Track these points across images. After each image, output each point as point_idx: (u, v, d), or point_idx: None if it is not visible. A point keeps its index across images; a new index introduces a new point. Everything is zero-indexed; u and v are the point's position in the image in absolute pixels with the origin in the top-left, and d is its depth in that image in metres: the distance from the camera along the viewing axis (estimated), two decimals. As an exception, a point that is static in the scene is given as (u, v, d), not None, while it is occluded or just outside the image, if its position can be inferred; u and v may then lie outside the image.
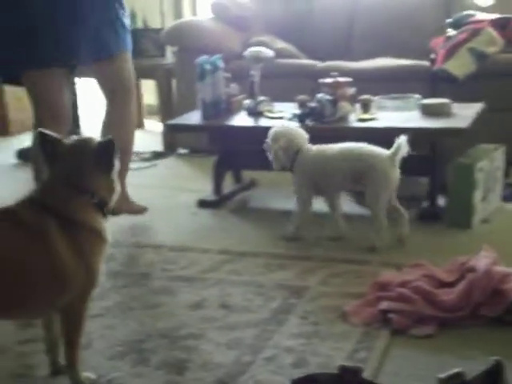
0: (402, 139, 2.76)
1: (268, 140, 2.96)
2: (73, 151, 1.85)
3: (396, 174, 2.82)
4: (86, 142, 1.88)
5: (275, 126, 3.03)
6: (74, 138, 1.92)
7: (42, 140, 1.85)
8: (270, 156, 2.95)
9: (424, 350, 2.06)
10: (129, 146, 3.15)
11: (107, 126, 3.12)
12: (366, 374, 1.89)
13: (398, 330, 2.16)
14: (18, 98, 5.40)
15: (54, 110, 2.97)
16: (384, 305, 2.25)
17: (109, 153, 1.83)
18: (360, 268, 2.64)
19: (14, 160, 4.62)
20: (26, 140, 4.87)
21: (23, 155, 4.53)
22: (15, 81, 3.06)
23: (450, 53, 3.86)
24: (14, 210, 1.80)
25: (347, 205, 3.19)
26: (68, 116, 3.07)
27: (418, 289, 2.29)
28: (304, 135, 2.98)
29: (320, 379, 1.61)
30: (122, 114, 3.11)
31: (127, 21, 3.08)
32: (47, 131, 1.86)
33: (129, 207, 3.24)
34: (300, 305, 2.36)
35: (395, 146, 2.77)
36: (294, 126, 3.08)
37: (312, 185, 2.95)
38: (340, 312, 2.29)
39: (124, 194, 3.12)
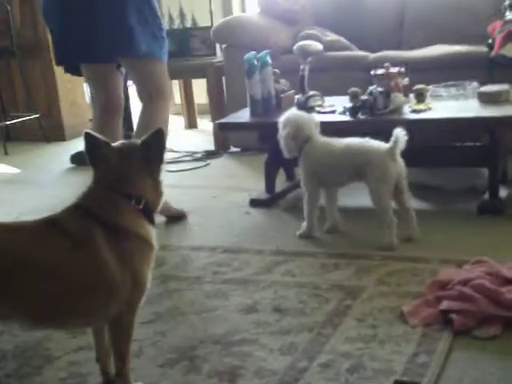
0: (399, 131, 2.65)
1: (278, 126, 2.92)
2: (118, 155, 1.79)
3: (396, 167, 2.71)
4: (133, 145, 1.82)
5: (287, 112, 2.98)
6: (122, 142, 1.87)
7: (88, 142, 1.79)
8: (281, 143, 2.91)
9: (489, 352, 1.95)
10: None
11: (139, 130, 3.07)
12: (427, 380, 1.80)
13: (461, 331, 2.05)
14: (71, 102, 5.48)
15: (106, 101, 3.18)
16: (444, 305, 2.15)
17: (158, 142, 1.79)
18: (417, 266, 2.54)
19: (69, 165, 4.65)
20: (79, 145, 4.94)
21: (76, 159, 4.57)
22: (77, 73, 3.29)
23: (509, 37, 3.70)
24: (59, 218, 1.76)
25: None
26: (121, 106, 3.26)
27: (481, 287, 2.17)
28: (314, 123, 2.91)
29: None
30: (156, 120, 3.04)
31: (163, 32, 3.09)
32: (94, 133, 1.80)
33: (165, 210, 3.08)
34: (356, 306, 2.28)
35: (392, 139, 2.66)
36: (306, 113, 3.01)
37: (316, 176, 2.88)
38: (398, 313, 2.19)
39: None
